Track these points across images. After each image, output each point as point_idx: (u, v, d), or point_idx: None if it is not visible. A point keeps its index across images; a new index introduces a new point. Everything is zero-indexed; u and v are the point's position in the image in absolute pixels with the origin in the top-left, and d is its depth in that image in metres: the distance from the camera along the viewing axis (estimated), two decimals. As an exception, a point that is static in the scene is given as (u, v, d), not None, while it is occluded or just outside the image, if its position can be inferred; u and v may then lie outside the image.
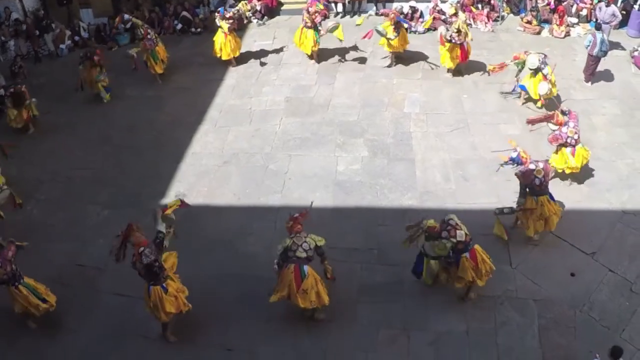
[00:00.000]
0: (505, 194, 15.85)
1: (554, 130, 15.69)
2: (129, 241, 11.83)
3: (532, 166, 13.90)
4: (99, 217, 16.23)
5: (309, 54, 22.88)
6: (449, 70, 21.66)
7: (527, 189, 14.07)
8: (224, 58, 22.77)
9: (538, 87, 18.57)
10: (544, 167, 14.03)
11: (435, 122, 19.10)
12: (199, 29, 25.58)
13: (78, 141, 19.30)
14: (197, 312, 13.24)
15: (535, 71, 18.51)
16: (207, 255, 14.77)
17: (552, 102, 18.43)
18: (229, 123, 19.66)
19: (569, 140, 15.52)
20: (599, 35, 20.22)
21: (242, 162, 17.85)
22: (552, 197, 14.27)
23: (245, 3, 23.41)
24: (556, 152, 16.01)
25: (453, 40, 20.44)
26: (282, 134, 18.95)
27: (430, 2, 25.07)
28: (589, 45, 20.44)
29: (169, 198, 16.51)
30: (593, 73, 20.95)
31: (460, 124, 18.96)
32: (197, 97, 21.18)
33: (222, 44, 22.46)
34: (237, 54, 23.02)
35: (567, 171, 15.95)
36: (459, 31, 20.21)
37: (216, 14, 22.67)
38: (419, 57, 22.99)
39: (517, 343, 12.58)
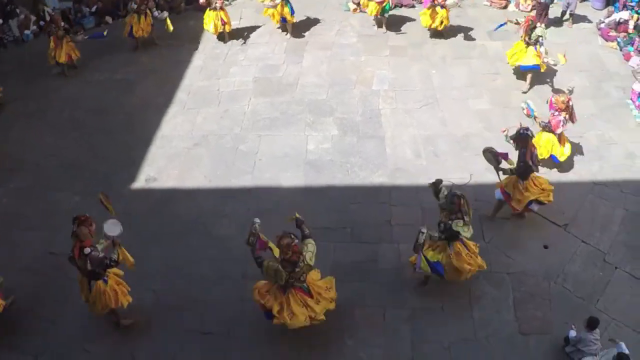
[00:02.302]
0: (476, 168, 15.94)
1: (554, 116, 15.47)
2: (76, 233, 11.61)
3: (529, 132, 13.92)
4: (71, 203, 15.99)
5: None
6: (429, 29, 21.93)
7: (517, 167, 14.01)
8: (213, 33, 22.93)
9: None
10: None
11: (404, 99, 19.10)
12: (164, 11, 25.28)
13: (48, 127, 19.02)
14: (173, 297, 13.29)
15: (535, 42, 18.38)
16: (180, 238, 14.72)
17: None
18: (198, 105, 19.52)
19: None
20: None
21: (212, 144, 17.76)
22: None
23: None
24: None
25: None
26: (251, 114, 18.86)
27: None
28: None
29: (140, 182, 16.49)
30: (543, 20, 21.63)
31: (429, 100, 18.97)
32: (166, 79, 20.98)
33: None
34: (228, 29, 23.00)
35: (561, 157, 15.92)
36: None
37: None
38: (386, 34, 22.93)
39: (493, 317, 12.71)
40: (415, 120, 18.17)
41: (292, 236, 11.37)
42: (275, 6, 22.19)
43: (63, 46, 21.01)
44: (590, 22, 22.94)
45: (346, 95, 19.46)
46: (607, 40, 21.59)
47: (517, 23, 19.21)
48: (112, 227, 11.95)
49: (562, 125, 15.21)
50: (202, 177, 16.66)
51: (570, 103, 15.38)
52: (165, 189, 16.27)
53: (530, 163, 13.72)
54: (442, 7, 20.98)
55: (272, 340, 12.40)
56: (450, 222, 12.03)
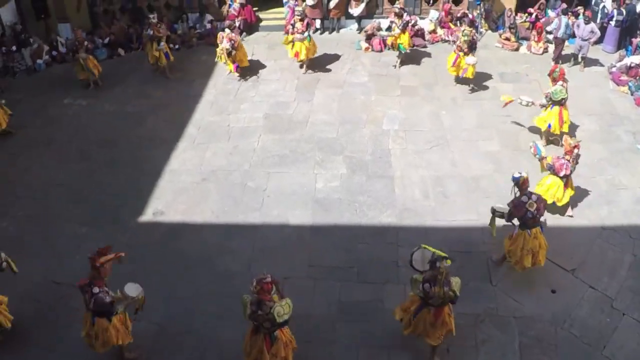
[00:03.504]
0: (484, 210, 15.78)
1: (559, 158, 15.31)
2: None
3: (524, 198, 13.60)
4: (76, 233, 16.01)
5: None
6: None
7: (519, 221, 13.83)
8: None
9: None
10: (538, 199, 13.75)
11: (414, 139, 19.07)
12: (176, 45, 25.41)
13: (56, 156, 19.09)
14: (173, 331, 13.19)
15: (557, 102, 17.91)
16: (184, 273, 14.63)
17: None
18: (208, 140, 19.52)
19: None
20: (563, 19, 22.96)
21: (221, 180, 17.72)
22: (542, 229, 14.09)
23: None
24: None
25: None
26: (260, 151, 18.84)
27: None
28: (554, 29, 22.51)
29: (147, 215, 16.44)
30: (559, 55, 23.28)
31: (439, 141, 18.94)
32: (176, 113, 21.04)
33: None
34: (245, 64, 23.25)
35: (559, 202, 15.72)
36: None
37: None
38: (397, 74, 23.03)
39: (498, 361, 12.54)
40: (424, 160, 18.11)
41: (270, 277, 11.15)
42: (304, 39, 22.47)
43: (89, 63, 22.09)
44: (602, 65, 22.96)
45: (356, 134, 19.43)
46: (618, 85, 21.59)
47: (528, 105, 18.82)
48: (132, 288, 11.88)
49: (565, 169, 15.05)
50: (210, 212, 16.58)
51: (576, 151, 15.21)
52: (172, 223, 16.21)
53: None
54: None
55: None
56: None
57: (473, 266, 14.36)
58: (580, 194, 16.29)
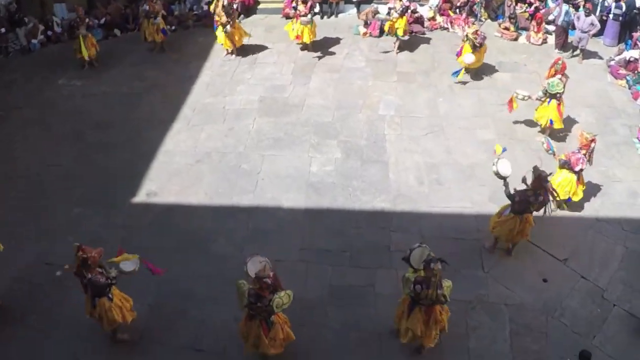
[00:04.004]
0: (478, 198, 15.91)
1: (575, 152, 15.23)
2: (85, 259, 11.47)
3: (531, 199, 13.53)
4: (70, 214, 16.00)
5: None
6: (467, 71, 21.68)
7: (514, 210, 13.84)
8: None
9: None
10: (542, 201, 13.65)
11: (410, 125, 19.05)
12: (173, 27, 25.30)
13: (50, 137, 19.01)
14: (167, 313, 13.20)
15: (553, 96, 17.81)
16: (177, 255, 14.60)
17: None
18: (203, 121, 19.49)
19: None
20: (564, 7, 23.29)
21: (215, 162, 17.69)
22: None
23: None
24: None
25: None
26: (255, 133, 18.81)
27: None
28: (555, 16, 22.95)
29: (141, 196, 16.42)
30: (564, 44, 23.47)
31: (435, 128, 18.92)
32: (171, 94, 20.98)
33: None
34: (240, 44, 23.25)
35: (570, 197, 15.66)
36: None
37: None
38: (395, 60, 22.98)
39: (488, 348, 12.58)
40: (420, 147, 18.10)
41: (270, 275, 11.14)
42: (308, 22, 22.65)
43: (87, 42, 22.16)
44: (600, 58, 22.92)
45: (352, 119, 19.41)
46: (616, 78, 21.57)
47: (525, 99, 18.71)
48: (128, 264, 11.96)
49: (582, 163, 14.94)
50: (203, 194, 16.57)
51: (593, 145, 15.16)
52: (166, 204, 16.18)
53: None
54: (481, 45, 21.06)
55: (266, 361, 12.28)
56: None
57: (465, 253, 14.42)
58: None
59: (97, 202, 16.24)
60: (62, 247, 14.72)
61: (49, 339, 12.82)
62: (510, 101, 18.30)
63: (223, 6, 22.13)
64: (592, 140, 15.07)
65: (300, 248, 14.71)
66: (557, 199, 14.78)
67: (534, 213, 13.97)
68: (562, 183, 15.27)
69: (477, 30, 20.98)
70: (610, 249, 14.83)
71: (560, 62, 18.14)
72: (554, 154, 15.54)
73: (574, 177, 15.20)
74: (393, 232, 15.20)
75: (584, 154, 15.00)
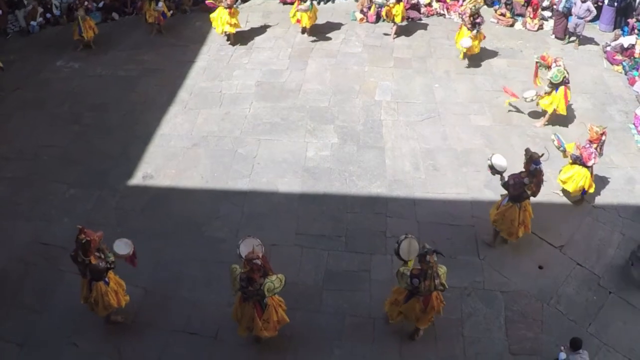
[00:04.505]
0: (474, 184, 15.92)
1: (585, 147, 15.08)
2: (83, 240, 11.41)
3: (526, 180, 13.41)
4: (65, 195, 16.02)
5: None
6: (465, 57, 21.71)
7: (510, 195, 13.77)
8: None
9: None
10: (537, 182, 13.53)
11: (406, 111, 19.03)
12: (170, 11, 25.17)
13: (47, 118, 19.03)
14: (160, 296, 13.21)
15: (560, 84, 17.67)
16: (172, 238, 14.63)
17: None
18: (199, 105, 19.46)
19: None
20: None
21: (211, 145, 17.68)
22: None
23: None
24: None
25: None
26: (252, 118, 18.79)
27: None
28: (556, 2, 23.24)
29: (137, 179, 16.42)
30: (564, 31, 23.33)
31: (431, 114, 18.90)
32: (168, 78, 20.96)
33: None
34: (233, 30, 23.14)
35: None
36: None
37: None
38: (391, 45, 22.94)
39: (483, 334, 12.60)
40: (416, 133, 18.07)
41: (259, 256, 11.14)
42: (307, 10, 22.65)
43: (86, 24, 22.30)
44: (597, 44, 22.87)
45: (348, 104, 19.38)
46: (612, 64, 21.54)
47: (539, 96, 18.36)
48: (123, 246, 12.03)
49: (594, 157, 14.87)
50: (199, 177, 16.56)
51: (604, 138, 15.06)
52: (161, 187, 16.18)
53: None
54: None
55: (258, 347, 12.29)
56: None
57: (461, 239, 14.41)
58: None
59: (92, 184, 16.24)
60: (58, 228, 14.79)
61: (43, 320, 12.84)
62: (513, 94, 18.30)
63: None
64: (603, 134, 14.96)
65: (296, 233, 14.69)
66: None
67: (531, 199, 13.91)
68: (576, 177, 15.16)
69: (478, 10, 20.91)
70: (607, 236, 14.83)
71: (545, 59, 18.11)
72: (565, 151, 15.41)
73: (587, 171, 15.11)
74: (389, 218, 15.19)
75: (595, 148, 14.91)
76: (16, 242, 14.53)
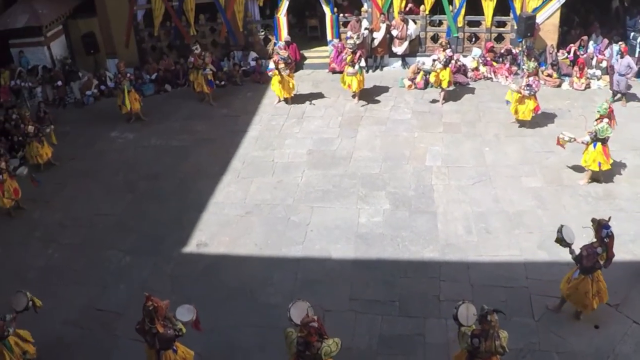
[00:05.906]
0: (527, 245, 15.82)
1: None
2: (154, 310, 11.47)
3: (599, 249, 13.14)
4: (121, 262, 16.30)
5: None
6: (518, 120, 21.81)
7: (581, 268, 13.42)
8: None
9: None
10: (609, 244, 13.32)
11: (457, 175, 19.09)
12: (222, 82, 25.77)
13: (101, 187, 19.54)
14: (217, 363, 13.28)
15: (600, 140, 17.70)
16: (227, 305, 14.73)
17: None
18: (252, 174, 19.75)
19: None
20: (615, 47, 23.86)
21: (264, 213, 17.87)
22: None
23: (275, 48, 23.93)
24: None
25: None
26: (304, 185, 19.00)
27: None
28: (608, 58, 24.48)
29: (191, 246, 16.64)
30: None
31: (482, 177, 18.92)
32: (221, 147, 21.36)
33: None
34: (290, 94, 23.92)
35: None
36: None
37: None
38: (440, 111, 23.14)
39: (541, 397, 12.43)
40: (467, 196, 18.09)
41: (315, 319, 11.20)
42: (355, 73, 23.21)
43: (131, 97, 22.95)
44: (645, 100, 22.88)
45: (399, 170, 19.49)
46: (662, 119, 21.53)
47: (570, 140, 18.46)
48: (185, 313, 12.07)
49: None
50: (253, 245, 16.70)
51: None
52: (215, 255, 16.36)
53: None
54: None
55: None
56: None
57: (515, 301, 14.25)
58: (624, 229, 15.97)
59: (147, 251, 16.52)
60: (113, 294, 15.05)
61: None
62: (558, 141, 18.38)
63: (282, 58, 22.80)
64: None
65: (350, 298, 14.70)
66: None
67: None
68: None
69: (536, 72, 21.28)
70: (664, 293, 14.62)
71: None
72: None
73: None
74: (442, 282, 15.12)
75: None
76: (71, 307, 14.76)
